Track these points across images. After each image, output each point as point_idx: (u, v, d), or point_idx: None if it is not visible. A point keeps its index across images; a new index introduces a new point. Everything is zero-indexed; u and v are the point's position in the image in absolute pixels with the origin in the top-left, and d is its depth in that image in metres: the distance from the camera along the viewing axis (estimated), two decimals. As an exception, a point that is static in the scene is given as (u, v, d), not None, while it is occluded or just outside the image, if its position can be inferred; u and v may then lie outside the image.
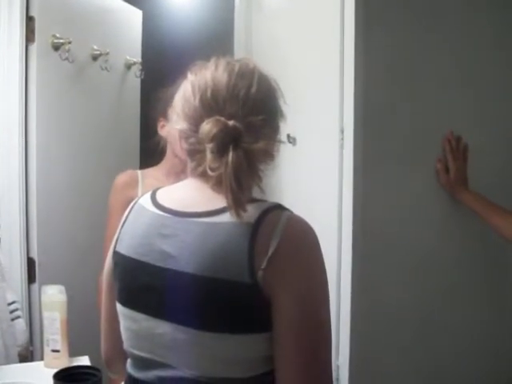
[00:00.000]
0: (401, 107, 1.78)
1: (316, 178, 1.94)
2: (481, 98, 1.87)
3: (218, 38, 3.20)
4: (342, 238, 1.77)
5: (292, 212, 1.06)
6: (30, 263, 2.44)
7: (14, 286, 2.33)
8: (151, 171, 2.13)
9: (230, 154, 0.99)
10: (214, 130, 1.01)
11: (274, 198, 1.15)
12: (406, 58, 1.77)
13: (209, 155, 1.01)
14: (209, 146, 1.01)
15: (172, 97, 2.01)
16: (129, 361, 1.16)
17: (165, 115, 2.05)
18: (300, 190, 1.97)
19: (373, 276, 1.76)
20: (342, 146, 1.76)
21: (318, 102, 1.92)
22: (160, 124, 2.08)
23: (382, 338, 1.79)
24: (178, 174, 1.98)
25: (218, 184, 1.05)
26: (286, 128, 1.17)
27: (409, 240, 1.80)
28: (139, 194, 2.00)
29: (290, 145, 1.85)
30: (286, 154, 1.17)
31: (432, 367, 1.85)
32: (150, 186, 1.96)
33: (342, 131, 1.76)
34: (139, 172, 2.12)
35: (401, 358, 1.81)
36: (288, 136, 1.83)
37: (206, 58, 1.15)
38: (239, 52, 2.64)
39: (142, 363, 1.11)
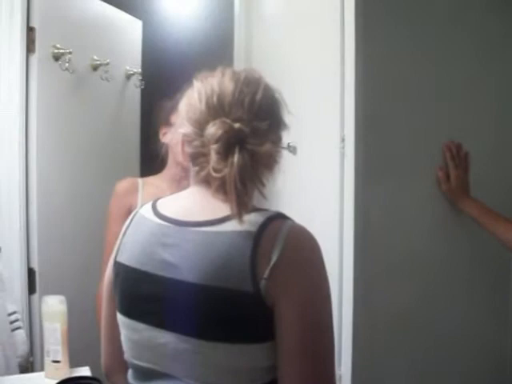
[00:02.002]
0: (401, 115, 1.78)
1: (317, 187, 1.94)
2: (481, 104, 1.87)
3: (218, 47, 3.21)
4: (343, 247, 1.77)
5: (294, 221, 1.06)
6: (31, 273, 2.43)
7: (15, 297, 2.32)
8: (152, 179, 2.13)
9: (236, 155, 1.00)
10: (220, 132, 1.02)
11: (275, 207, 1.15)
12: (406, 67, 1.77)
13: (213, 156, 1.02)
14: (214, 147, 1.02)
15: (175, 105, 2.03)
16: (130, 371, 1.16)
17: (167, 123, 2.05)
18: (301, 199, 1.97)
19: (374, 285, 1.76)
20: (343, 155, 1.76)
21: (318, 111, 1.92)
22: (162, 131, 2.08)
23: (385, 347, 1.78)
24: (180, 183, 1.98)
25: (220, 188, 1.05)
26: (286, 137, 1.17)
27: (410, 248, 1.80)
28: (139, 201, 2.00)
29: (290, 154, 1.85)
30: (286, 164, 1.17)
31: (435, 375, 1.84)
32: (150, 193, 1.96)
33: (342, 140, 1.76)
34: (140, 180, 2.12)
35: (404, 366, 1.81)
36: (288, 145, 1.83)
37: (207, 67, 1.16)
38: (239, 61, 2.64)
39: (144, 374, 1.10)
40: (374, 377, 1.77)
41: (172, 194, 1.21)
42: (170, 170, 2.10)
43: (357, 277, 1.72)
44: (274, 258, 0.98)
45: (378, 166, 1.75)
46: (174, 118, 2.02)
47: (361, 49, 1.71)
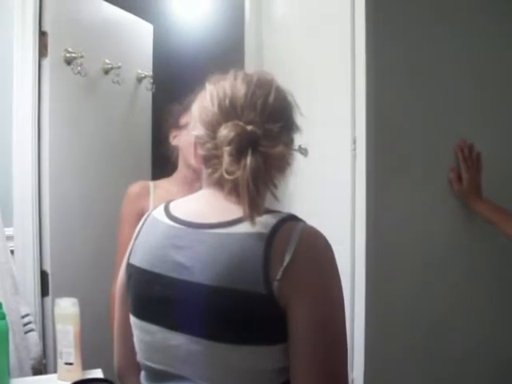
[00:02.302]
0: (413, 116, 1.77)
1: (328, 188, 1.94)
2: (495, 106, 1.86)
3: (228, 50, 3.22)
4: (355, 248, 1.77)
5: (306, 223, 1.06)
6: (43, 276, 2.45)
7: (28, 299, 2.33)
8: (163, 182, 2.14)
9: (248, 158, 1.00)
10: (232, 134, 1.02)
11: (287, 209, 1.15)
12: (418, 67, 1.77)
13: (226, 158, 1.02)
14: (226, 150, 1.02)
15: (185, 108, 2.04)
16: (142, 373, 1.16)
17: (177, 126, 2.06)
18: (312, 201, 1.97)
19: (386, 286, 1.75)
20: (354, 157, 1.76)
21: (329, 113, 1.92)
22: (172, 135, 2.09)
23: (397, 350, 1.77)
24: (191, 185, 1.99)
25: (233, 190, 1.05)
26: (298, 139, 1.17)
27: (422, 249, 1.79)
28: (151, 204, 2.00)
29: (301, 156, 1.85)
30: (298, 166, 1.17)
31: (448, 376, 1.83)
32: (161, 196, 1.96)
33: (354, 141, 1.76)
34: (151, 183, 2.13)
35: (416, 369, 1.80)
36: (300, 147, 1.83)
37: (218, 69, 1.17)
38: (250, 63, 2.64)
39: (156, 375, 1.11)
40: (386, 380, 1.77)
41: (183, 196, 1.21)
42: (181, 172, 2.10)
43: (369, 278, 1.72)
44: (287, 259, 0.98)
45: (390, 167, 1.75)
46: (184, 121, 2.03)
47: (372, 49, 1.70)
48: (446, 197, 1.82)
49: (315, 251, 1.03)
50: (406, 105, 1.77)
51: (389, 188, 1.74)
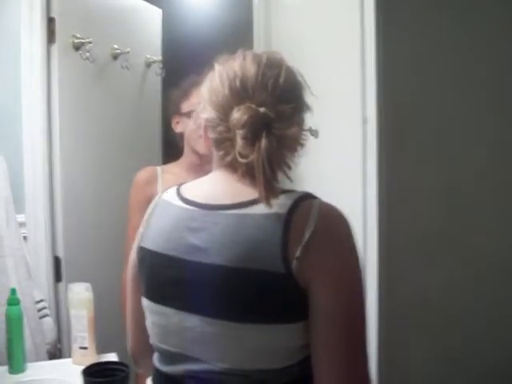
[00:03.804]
0: (424, 95, 1.76)
1: (339, 169, 1.93)
2: (502, 89, 1.84)
3: (237, 34, 3.20)
4: (366, 231, 1.75)
5: (322, 200, 1.06)
6: (56, 262, 2.47)
7: (41, 285, 2.36)
8: (171, 167, 2.14)
9: (263, 140, 0.99)
10: (246, 117, 1.01)
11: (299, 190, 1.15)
12: (429, 46, 1.75)
13: (240, 141, 1.01)
14: (240, 133, 1.01)
15: (185, 93, 2.04)
16: (156, 355, 1.16)
17: (178, 112, 2.05)
18: (323, 182, 1.96)
19: (398, 270, 1.75)
20: (365, 137, 1.74)
21: (339, 94, 1.90)
22: (174, 121, 2.08)
23: (410, 336, 1.77)
24: (196, 170, 1.99)
25: (246, 173, 1.05)
26: (308, 120, 1.16)
27: (435, 229, 1.78)
28: (159, 189, 2.01)
29: (312, 138, 1.84)
30: (308, 148, 1.16)
31: (461, 363, 1.82)
32: (169, 181, 1.97)
33: (364, 122, 1.74)
34: (158, 168, 2.13)
35: (428, 358, 1.79)
36: (310, 129, 1.82)
37: (226, 53, 1.15)
38: (258, 47, 2.63)
39: (170, 357, 1.11)
40: (398, 367, 1.76)
41: (191, 180, 1.20)
42: (187, 158, 2.11)
43: (381, 260, 1.71)
44: (307, 237, 0.98)
45: (401, 146, 1.74)
46: (185, 107, 2.02)
47: (381, 29, 1.69)
48: (458, 175, 1.81)
49: (334, 227, 1.03)
50: (416, 83, 1.75)
51: (400, 168, 1.73)
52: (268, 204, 0.99)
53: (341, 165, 1.92)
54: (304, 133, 1.12)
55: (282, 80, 1.07)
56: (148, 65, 3.20)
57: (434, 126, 1.78)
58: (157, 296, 1.12)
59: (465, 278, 1.82)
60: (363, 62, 1.75)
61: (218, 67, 1.12)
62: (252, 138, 1.00)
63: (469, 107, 1.81)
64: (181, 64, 3.29)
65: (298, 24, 2.31)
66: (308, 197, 1.05)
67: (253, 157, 1.00)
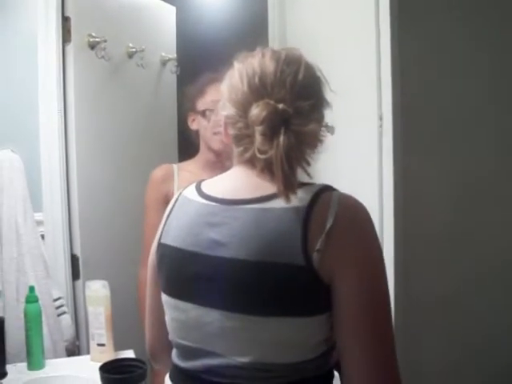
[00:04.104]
0: (440, 91, 1.75)
1: (356, 165, 1.92)
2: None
3: (251, 31, 3.19)
4: (383, 227, 1.75)
5: (341, 191, 1.06)
6: (74, 260, 2.48)
7: (59, 283, 2.38)
8: (186, 165, 2.14)
9: (281, 137, 1.00)
10: (264, 113, 1.02)
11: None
12: (445, 42, 1.74)
13: (258, 138, 1.02)
14: (258, 129, 1.02)
15: (200, 90, 2.04)
16: (174, 351, 1.17)
17: (194, 109, 2.05)
18: (339, 178, 1.95)
19: (415, 263, 1.74)
20: (381, 133, 1.74)
21: (354, 90, 1.89)
22: (190, 118, 2.08)
23: (423, 329, 1.77)
24: (213, 167, 1.99)
25: (265, 169, 1.06)
26: (325, 117, 1.16)
27: (450, 225, 1.77)
28: (175, 187, 2.01)
29: (328, 134, 1.83)
30: (326, 144, 1.16)
31: (474, 358, 1.81)
32: (185, 179, 1.97)
33: (380, 118, 1.74)
34: (175, 166, 2.13)
35: (441, 356, 1.78)
36: (326, 125, 1.81)
37: (242, 49, 1.16)
38: (274, 43, 2.62)
39: (189, 353, 1.11)
40: (411, 360, 1.76)
41: (207, 177, 1.21)
42: (203, 155, 2.10)
43: (398, 254, 1.71)
44: (327, 229, 0.98)
45: (417, 143, 1.73)
46: (201, 105, 2.02)
47: (397, 25, 1.68)
48: (474, 172, 1.79)
49: (355, 218, 1.03)
50: (432, 80, 1.74)
51: (416, 165, 1.72)
52: (287, 199, 0.99)
53: (357, 161, 1.92)
54: (323, 129, 1.12)
55: (300, 76, 1.08)
56: (163, 63, 3.21)
57: (449, 122, 1.77)
58: (177, 291, 1.12)
59: (479, 275, 1.81)
60: (379, 56, 1.75)
61: (237, 65, 1.13)
62: (270, 134, 1.01)
63: (485, 104, 1.80)
64: (195, 61, 3.30)
65: (313, 20, 2.31)
66: (327, 189, 1.05)
67: (271, 153, 1.00)
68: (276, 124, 1.01)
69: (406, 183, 1.71)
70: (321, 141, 1.11)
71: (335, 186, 1.08)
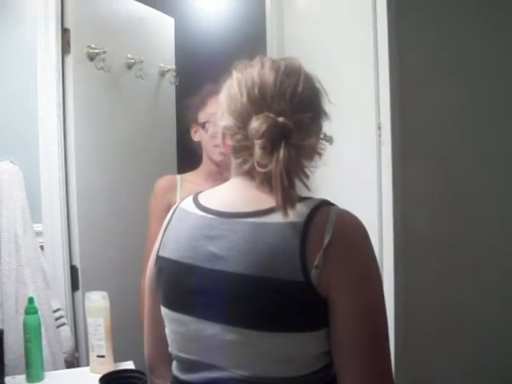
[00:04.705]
0: (438, 101, 1.75)
1: (354, 176, 1.92)
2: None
3: (249, 41, 3.21)
4: (383, 237, 1.75)
5: (339, 207, 1.05)
6: (73, 271, 2.48)
7: (58, 294, 2.37)
8: (190, 176, 2.14)
9: (281, 151, 0.99)
10: (264, 127, 1.01)
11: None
12: (443, 50, 1.75)
13: (258, 151, 1.01)
14: (258, 142, 1.01)
15: (202, 101, 2.04)
16: (174, 363, 1.16)
17: (196, 121, 2.06)
18: (338, 188, 1.95)
19: (415, 273, 1.74)
20: (379, 143, 1.74)
21: (353, 100, 1.90)
22: (193, 130, 2.09)
23: (427, 340, 1.76)
24: (215, 179, 1.99)
25: (264, 181, 1.05)
26: (324, 127, 1.16)
27: (450, 236, 1.77)
28: (178, 198, 2.01)
29: (327, 144, 1.83)
30: (326, 156, 1.16)
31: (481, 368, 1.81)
32: (188, 190, 1.97)
33: (379, 128, 1.74)
34: (178, 177, 2.14)
35: (445, 361, 1.78)
36: (324, 135, 1.81)
37: (240, 60, 1.15)
38: (272, 54, 2.63)
39: (189, 366, 1.11)
40: (416, 373, 1.76)
41: (210, 188, 1.20)
42: (205, 166, 2.11)
43: (397, 266, 1.70)
44: (324, 245, 0.98)
45: (416, 152, 1.73)
46: (202, 117, 2.03)
47: (394, 35, 1.68)
48: (474, 180, 1.80)
49: (352, 234, 1.03)
50: (430, 90, 1.75)
51: (415, 173, 1.73)
52: (285, 214, 0.99)
53: (356, 170, 1.92)
54: (321, 142, 1.12)
55: (300, 88, 1.07)
56: (162, 74, 3.22)
57: (447, 130, 1.77)
58: (175, 304, 1.11)
59: (477, 286, 1.81)
60: (376, 66, 1.75)
61: (235, 74, 1.12)
62: (270, 148, 1.00)
63: (485, 114, 1.80)
64: (194, 72, 3.32)
65: (310, 32, 2.32)
66: (325, 204, 1.04)
67: (271, 166, 1.00)
68: (276, 138, 1.00)
69: (405, 194, 1.71)
70: (319, 154, 1.11)
71: (333, 196, 1.08)
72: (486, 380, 1.81)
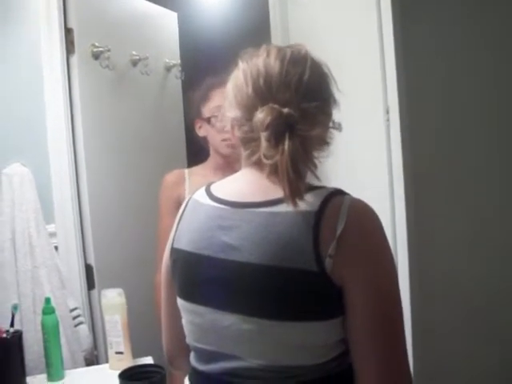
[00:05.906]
0: (445, 82, 1.73)
1: (364, 161, 1.91)
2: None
3: (254, 32, 3.19)
4: (395, 223, 1.74)
5: (352, 195, 1.05)
6: (88, 270, 2.49)
7: (75, 293, 2.38)
8: (198, 169, 2.15)
9: (286, 142, 0.99)
10: (269, 118, 1.01)
11: (324, 183, 1.14)
12: (446, 33, 1.73)
13: (264, 143, 1.01)
14: (264, 135, 1.01)
15: (204, 96, 2.04)
16: (192, 354, 1.17)
17: (200, 116, 2.05)
18: (349, 175, 1.95)
19: (430, 258, 1.73)
20: (388, 127, 1.73)
21: (360, 85, 1.89)
22: (197, 125, 2.09)
23: (443, 331, 1.75)
24: (223, 171, 1.99)
25: (273, 172, 1.04)
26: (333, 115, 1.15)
27: (461, 219, 1.76)
28: (186, 191, 2.02)
29: (336, 131, 1.82)
30: (335, 145, 1.15)
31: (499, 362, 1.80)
32: (196, 183, 1.97)
33: (387, 111, 1.73)
34: (186, 170, 2.14)
35: (463, 357, 1.77)
36: (333, 122, 1.80)
37: (249, 48, 1.14)
38: (277, 44, 2.62)
39: (207, 356, 1.11)
40: (434, 361, 1.74)
41: (217, 180, 1.20)
42: (213, 159, 2.11)
43: (411, 251, 1.69)
44: (338, 234, 0.97)
45: (426, 136, 1.72)
46: (206, 111, 2.02)
47: (399, 17, 1.67)
48: (486, 160, 1.78)
49: (365, 222, 1.02)
50: (437, 71, 1.73)
51: (425, 156, 1.71)
52: (293, 204, 0.98)
53: (365, 156, 1.90)
54: (330, 131, 1.11)
55: (306, 77, 1.07)
56: (167, 69, 3.22)
57: (459, 110, 1.75)
58: (191, 295, 1.12)
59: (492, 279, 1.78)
60: (382, 49, 1.73)
61: (242, 65, 1.12)
62: (275, 140, 1.00)
63: (492, 97, 1.77)
64: (200, 66, 3.31)
65: (315, 19, 2.30)
66: (338, 193, 1.04)
67: (277, 158, 0.99)
68: (281, 129, 1.00)
69: (417, 177, 1.69)
70: (328, 143, 1.11)
71: (345, 181, 1.08)
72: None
